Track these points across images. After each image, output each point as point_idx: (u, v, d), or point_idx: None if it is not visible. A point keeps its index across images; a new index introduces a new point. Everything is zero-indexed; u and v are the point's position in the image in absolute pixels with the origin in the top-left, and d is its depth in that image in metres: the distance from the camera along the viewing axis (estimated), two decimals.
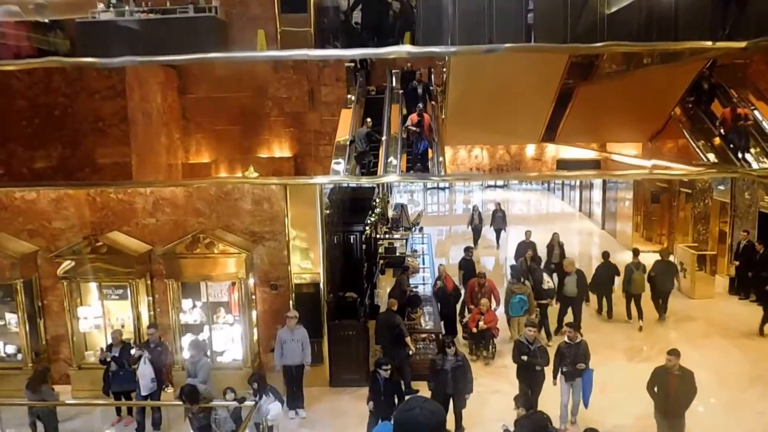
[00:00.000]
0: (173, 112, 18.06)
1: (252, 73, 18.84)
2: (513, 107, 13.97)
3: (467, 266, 14.24)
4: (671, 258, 15.12)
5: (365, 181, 8.98)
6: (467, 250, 14.81)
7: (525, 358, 9.16)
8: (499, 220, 20.91)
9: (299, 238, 10.68)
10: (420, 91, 14.82)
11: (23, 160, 12.68)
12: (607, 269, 13.65)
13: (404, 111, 14.16)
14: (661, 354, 11.95)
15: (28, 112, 14.38)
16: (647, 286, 13.66)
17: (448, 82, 13.93)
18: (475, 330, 11.77)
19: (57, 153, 11.54)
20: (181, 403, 8.05)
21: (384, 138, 12.38)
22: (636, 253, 13.94)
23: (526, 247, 14.96)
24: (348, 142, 11.43)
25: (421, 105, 12.99)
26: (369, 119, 12.71)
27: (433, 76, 18.67)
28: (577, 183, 29.52)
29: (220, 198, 10.70)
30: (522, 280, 12.92)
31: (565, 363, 9.21)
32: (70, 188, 10.07)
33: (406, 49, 7.77)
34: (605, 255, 13.90)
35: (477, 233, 21.25)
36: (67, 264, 10.47)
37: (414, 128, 11.63)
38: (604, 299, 14.05)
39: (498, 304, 12.50)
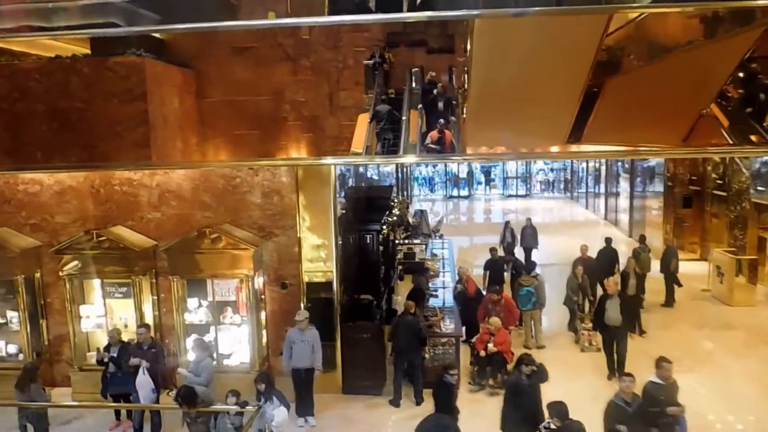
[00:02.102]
0: (190, 117, 17.71)
1: (270, 76, 18.51)
2: (537, 105, 13.27)
3: (494, 267, 13.47)
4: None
5: (380, 161, 8.36)
6: (492, 250, 14.08)
7: (624, 428, 7.00)
8: (530, 237, 17.73)
9: (311, 233, 10.10)
10: (441, 105, 14.07)
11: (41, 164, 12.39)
12: (608, 254, 14.38)
13: (423, 127, 13.48)
14: (701, 364, 11.34)
15: (46, 116, 14.18)
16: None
17: (470, 77, 13.31)
18: (483, 353, 10.24)
19: (74, 157, 11.14)
20: (178, 406, 7.44)
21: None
22: (642, 239, 15.60)
23: (582, 263, 13.66)
24: (368, 120, 10.93)
25: (442, 121, 12.38)
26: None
27: (453, 77, 18.12)
28: (602, 190, 28.84)
29: (227, 191, 10.16)
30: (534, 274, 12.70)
31: (661, 413, 7.08)
32: (81, 170, 9.51)
33: (426, 14, 7.17)
34: (607, 240, 14.74)
35: (509, 254, 17.22)
36: (72, 264, 10.00)
37: (434, 147, 10.99)
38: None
39: (514, 324, 11.47)
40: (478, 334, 10.66)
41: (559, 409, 6.77)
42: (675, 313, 14.07)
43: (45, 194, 10.43)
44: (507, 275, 14.36)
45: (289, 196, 10.05)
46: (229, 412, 7.20)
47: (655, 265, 14.91)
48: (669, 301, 14.61)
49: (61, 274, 10.02)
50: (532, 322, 12.34)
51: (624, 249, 20.23)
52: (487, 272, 13.51)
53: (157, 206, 10.29)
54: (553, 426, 6.82)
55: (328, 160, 7.94)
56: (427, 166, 38.51)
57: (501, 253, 15.35)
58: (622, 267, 14.35)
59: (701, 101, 13.34)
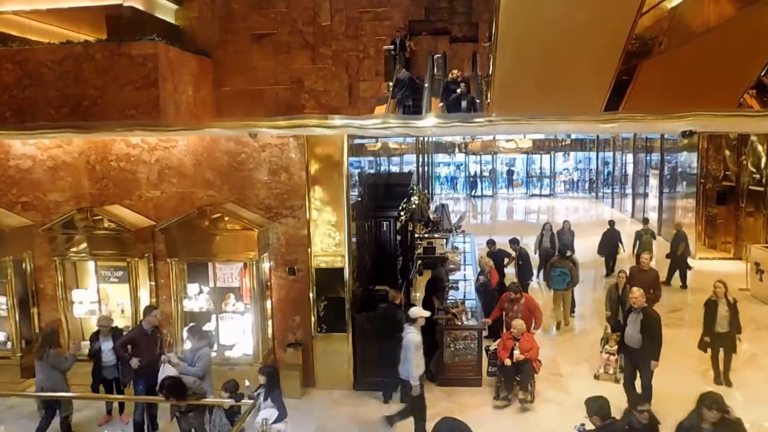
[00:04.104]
0: (206, 105, 17.17)
1: (289, 64, 17.97)
2: (565, 90, 12.39)
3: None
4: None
5: (394, 123, 7.53)
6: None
7: None
8: (568, 243, 15.33)
9: (322, 215, 9.25)
10: (465, 104, 13.30)
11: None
12: (612, 235, 15.75)
13: None
14: (745, 366, 10.36)
15: (57, 102, 13.69)
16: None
17: (494, 62, 12.46)
18: (509, 362, 8.95)
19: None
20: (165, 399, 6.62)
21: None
22: (645, 221, 17.40)
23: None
24: (390, 88, 10.26)
25: None
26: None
27: (477, 66, 17.30)
28: (630, 191, 27.81)
29: (232, 168, 9.34)
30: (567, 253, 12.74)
31: None
32: (86, 133, 8.71)
33: None
34: (611, 223, 16.32)
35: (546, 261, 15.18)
36: (80, 247, 9.31)
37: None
38: (610, 261, 16.29)
39: (538, 327, 10.05)
40: (499, 340, 9.49)
41: (599, 405, 5.83)
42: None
43: (38, 170, 9.72)
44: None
45: (299, 174, 9.22)
46: (222, 407, 6.38)
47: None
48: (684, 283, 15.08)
49: (51, 254, 9.29)
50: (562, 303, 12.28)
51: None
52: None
53: (157, 184, 9.52)
54: (590, 426, 5.90)
55: (337, 121, 7.10)
56: (448, 165, 37.81)
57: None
58: (627, 248, 16.31)
59: (741, 84, 12.39)
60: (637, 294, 8.68)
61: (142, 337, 8.00)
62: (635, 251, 15.19)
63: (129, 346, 7.98)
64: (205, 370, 7.41)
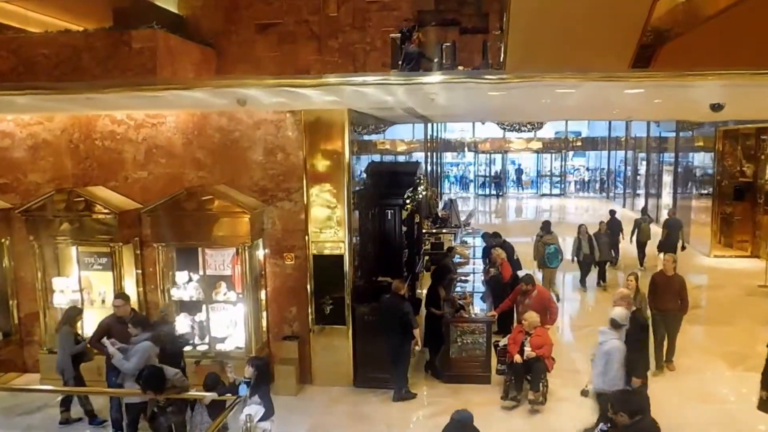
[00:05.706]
0: None
1: (294, 54, 17.38)
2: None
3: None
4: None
5: (395, 82, 6.84)
6: (485, 236, 13.00)
7: None
8: (605, 248, 14.31)
9: (320, 198, 8.58)
10: None
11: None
12: (614, 224, 15.56)
13: None
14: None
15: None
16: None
17: (506, 50, 11.84)
18: (519, 359, 8.06)
19: None
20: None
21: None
22: (644, 210, 17.75)
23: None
24: (399, 62, 10.22)
25: None
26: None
27: (488, 57, 16.69)
28: (642, 191, 27.09)
29: (225, 146, 8.69)
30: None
31: None
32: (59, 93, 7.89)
33: None
34: (612, 212, 16.28)
35: (587, 269, 14.23)
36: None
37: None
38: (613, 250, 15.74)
39: (553, 321, 9.13)
40: (509, 335, 8.68)
41: (626, 399, 5.08)
42: (732, 309, 12.63)
43: (17, 149, 9.11)
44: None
45: (296, 154, 8.56)
46: (202, 402, 5.70)
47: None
48: None
49: (28, 239, 8.66)
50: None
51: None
52: (487, 259, 12.06)
53: (144, 164, 8.89)
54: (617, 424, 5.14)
55: (332, 79, 6.42)
56: (457, 165, 37.16)
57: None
58: (627, 237, 16.11)
59: None
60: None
61: (115, 326, 7.32)
62: (633, 239, 15.96)
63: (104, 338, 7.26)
64: (139, 368, 6.50)
